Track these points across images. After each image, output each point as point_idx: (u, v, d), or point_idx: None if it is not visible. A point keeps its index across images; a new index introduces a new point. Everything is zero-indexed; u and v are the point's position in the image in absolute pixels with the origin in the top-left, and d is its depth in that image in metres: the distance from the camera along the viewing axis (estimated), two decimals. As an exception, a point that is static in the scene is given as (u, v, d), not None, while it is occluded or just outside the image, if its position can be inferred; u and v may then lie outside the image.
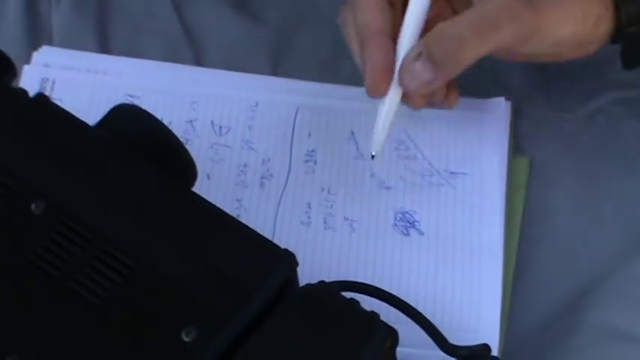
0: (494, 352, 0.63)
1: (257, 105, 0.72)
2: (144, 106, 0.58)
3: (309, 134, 0.72)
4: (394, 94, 0.64)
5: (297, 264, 0.53)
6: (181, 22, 0.75)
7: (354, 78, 0.71)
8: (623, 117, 0.72)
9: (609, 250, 0.68)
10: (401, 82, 0.63)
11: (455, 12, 0.66)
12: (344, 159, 0.70)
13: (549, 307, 0.67)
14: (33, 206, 0.54)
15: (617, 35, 0.65)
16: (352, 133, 0.71)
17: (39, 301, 0.52)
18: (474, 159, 0.70)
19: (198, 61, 0.75)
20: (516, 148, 0.72)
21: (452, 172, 0.70)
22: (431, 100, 0.66)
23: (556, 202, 0.70)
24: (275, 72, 0.74)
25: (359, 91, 0.68)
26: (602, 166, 0.70)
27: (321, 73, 0.74)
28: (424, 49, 0.62)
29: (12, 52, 0.60)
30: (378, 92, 0.64)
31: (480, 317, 0.66)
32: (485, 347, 0.59)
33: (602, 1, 0.64)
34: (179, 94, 0.73)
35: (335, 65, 0.74)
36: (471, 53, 0.62)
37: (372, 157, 0.66)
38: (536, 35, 0.62)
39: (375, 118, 0.65)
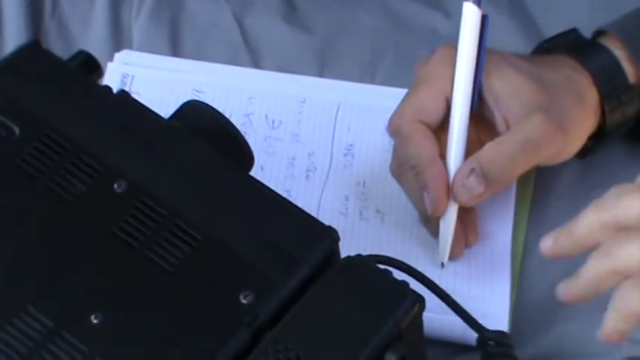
0: (505, 318, 0.63)
1: (304, 101, 0.72)
2: (208, 100, 0.59)
3: (349, 129, 0.71)
4: (452, 210, 0.64)
5: (339, 239, 0.53)
6: (241, 32, 0.75)
7: (388, 79, 0.72)
8: None
9: None
10: (455, 196, 0.62)
11: (476, 130, 0.65)
12: (378, 152, 0.70)
13: (554, 281, 0.66)
14: (115, 186, 0.54)
15: (596, 138, 0.67)
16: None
17: (120, 267, 0.53)
18: None
19: (255, 64, 0.75)
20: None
21: None
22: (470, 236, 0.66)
23: (560, 189, 0.70)
24: (321, 74, 0.74)
25: (392, 91, 0.68)
26: (601, 156, 0.70)
27: (360, 75, 0.73)
28: (477, 167, 0.62)
29: (98, 55, 0.60)
30: (441, 211, 0.63)
31: (492, 290, 0.65)
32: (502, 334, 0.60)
33: (596, 114, 0.65)
34: (238, 91, 0.72)
35: (372, 68, 0.74)
36: (520, 170, 0.63)
37: (442, 265, 0.65)
38: (564, 152, 0.64)
39: (440, 232, 0.64)
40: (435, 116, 0.63)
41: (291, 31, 0.75)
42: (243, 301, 0.51)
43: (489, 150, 0.62)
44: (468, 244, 0.66)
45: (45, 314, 0.51)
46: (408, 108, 0.64)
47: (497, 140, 0.63)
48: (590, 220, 0.52)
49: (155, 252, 0.53)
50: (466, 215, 0.66)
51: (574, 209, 0.67)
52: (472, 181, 0.62)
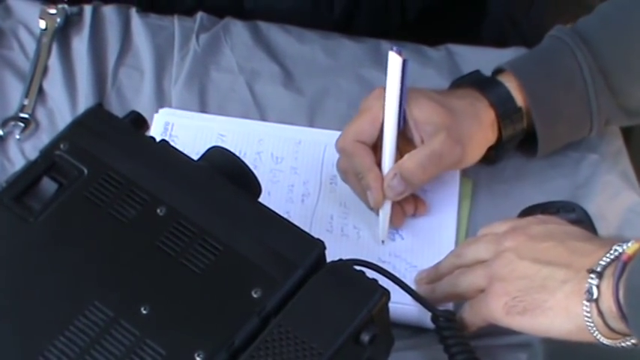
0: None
1: (300, 142, 0.70)
2: (229, 142, 0.58)
3: (333, 163, 0.69)
4: (387, 203, 0.64)
5: (325, 248, 0.52)
6: (252, 95, 0.74)
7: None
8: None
9: None
10: (384, 194, 0.63)
11: (402, 145, 0.65)
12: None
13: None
14: (158, 210, 0.53)
15: (496, 148, 0.67)
16: None
17: (162, 270, 0.52)
18: (436, 181, 0.67)
19: (262, 119, 0.73)
20: (464, 174, 0.69)
21: (423, 190, 0.67)
22: (407, 212, 0.66)
23: (482, 187, 0.69)
24: (311, 125, 0.73)
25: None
26: (505, 164, 0.70)
27: (339, 125, 0.71)
28: (398, 173, 0.63)
29: (146, 114, 0.59)
30: (380, 205, 0.64)
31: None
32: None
33: (494, 130, 0.66)
34: (251, 134, 0.70)
35: (348, 119, 0.72)
36: (428, 174, 0.63)
37: (382, 242, 0.65)
38: (465, 160, 0.65)
39: (379, 219, 0.64)
40: (370, 136, 0.64)
41: (288, 94, 0.74)
42: (254, 296, 0.50)
43: (406, 160, 0.63)
44: (418, 214, 0.66)
45: (107, 307, 0.50)
46: (349, 132, 0.64)
47: (412, 152, 0.63)
48: (448, 263, 0.61)
49: (188, 259, 0.51)
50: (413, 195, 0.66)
51: (496, 200, 0.68)
52: (395, 182, 0.63)
